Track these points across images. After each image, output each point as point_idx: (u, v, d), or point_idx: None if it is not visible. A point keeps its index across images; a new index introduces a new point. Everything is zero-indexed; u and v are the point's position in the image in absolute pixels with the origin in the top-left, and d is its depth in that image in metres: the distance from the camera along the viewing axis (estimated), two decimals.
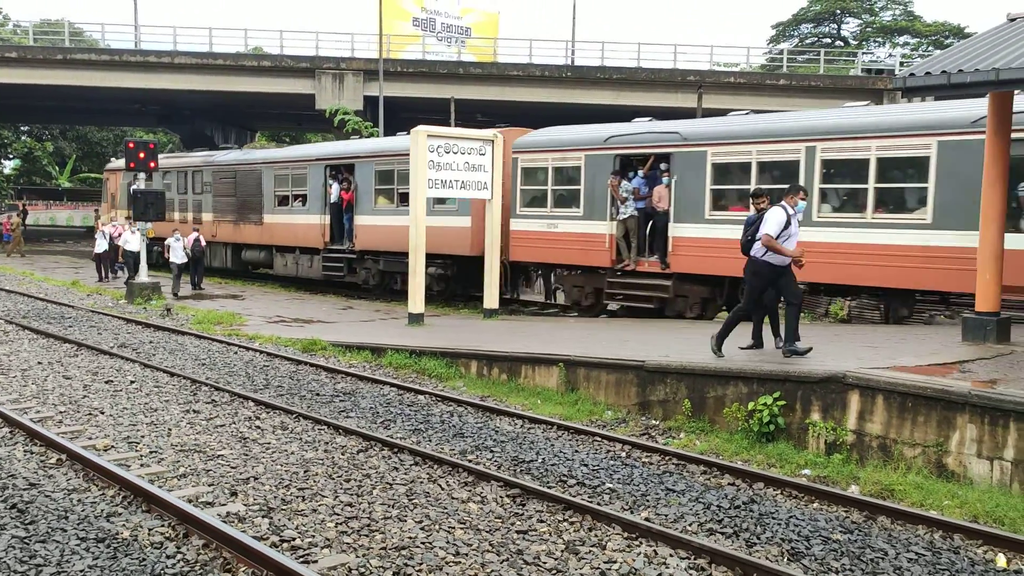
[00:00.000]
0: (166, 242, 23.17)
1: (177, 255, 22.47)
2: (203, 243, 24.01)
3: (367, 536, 6.53)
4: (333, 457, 8.45)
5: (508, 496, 7.51)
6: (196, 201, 28.59)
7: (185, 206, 28.99)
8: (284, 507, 7.05)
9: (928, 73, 10.04)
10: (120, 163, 31.27)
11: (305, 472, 7.95)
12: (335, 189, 22.71)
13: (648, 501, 7.48)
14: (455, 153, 16.61)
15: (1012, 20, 11.27)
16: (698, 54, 61.39)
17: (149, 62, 38.22)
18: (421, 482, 7.80)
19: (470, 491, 7.62)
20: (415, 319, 16.18)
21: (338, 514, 6.92)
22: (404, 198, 19.86)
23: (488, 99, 38.60)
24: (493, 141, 17.20)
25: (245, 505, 7.07)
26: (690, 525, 6.93)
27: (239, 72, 38.90)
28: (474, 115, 39.77)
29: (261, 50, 44.87)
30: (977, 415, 7.88)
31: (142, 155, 20.99)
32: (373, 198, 21.76)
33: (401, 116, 40.20)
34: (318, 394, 11.17)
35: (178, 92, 39.55)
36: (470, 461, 8.46)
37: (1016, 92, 10.46)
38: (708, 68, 40.99)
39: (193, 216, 28.38)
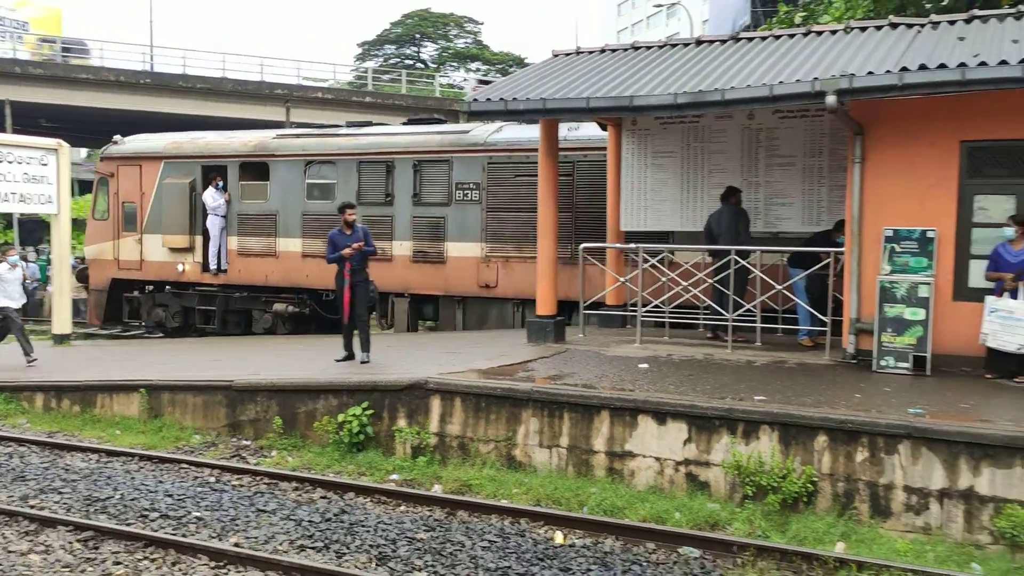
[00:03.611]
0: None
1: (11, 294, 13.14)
2: None
3: None
4: None
5: (79, 541, 6.84)
6: (428, 220, 15.41)
7: (389, 228, 15.58)
8: None
9: (489, 99, 11.01)
10: (144, 143, 18.41)
11: None
12: None
13: (238, 525, 7.27)
14: (10, 163, 14.78)
15: (556, 56, 12.77)
16: (285, 68, 61.41)
17: None
18: None
19: (32, 541, 6.82)
20: None
21: None
22: None
23: (54, 103, 34.88)
24: (57, 150, 15.59)
25: None
26: (281, 544, 6.86)
27: None
28: (37, 121, 35.68)
29: None
30: (539, 409, 8.78)
31: None
32: None
33: None
34: None
35: None
36: (32, 507, 7.57)
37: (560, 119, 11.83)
38: (296, 83, 40.96)
39: (414, 248, 15.53)
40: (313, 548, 6.81)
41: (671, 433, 8.17)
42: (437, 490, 8.31)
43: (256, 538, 6.98)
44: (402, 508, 7.85)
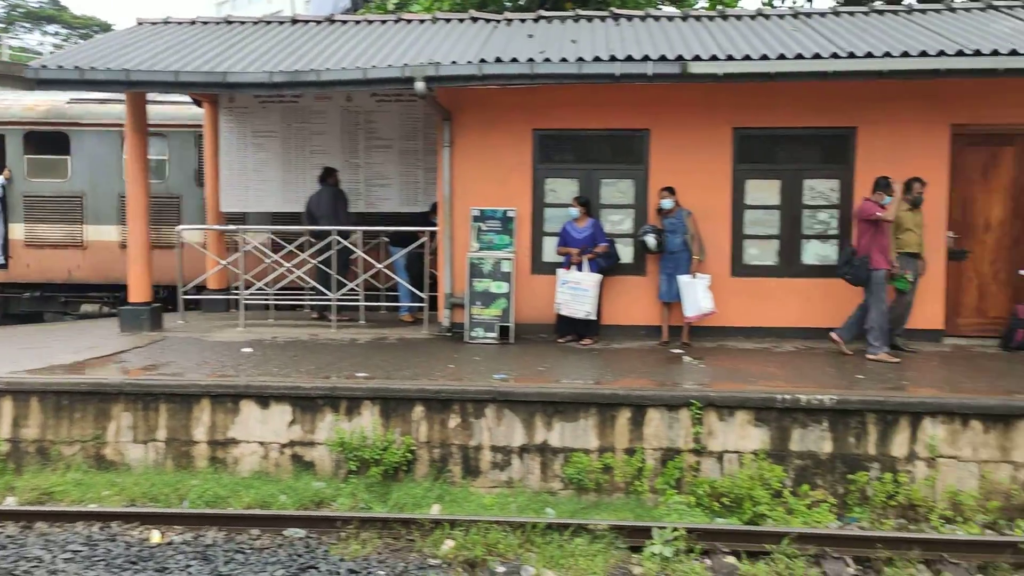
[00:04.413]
0: None
1: None
2: None
3: None
4: None
5: None
6: None
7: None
8: None
9: (61, 67, 9.97)
10: None
11: None
12: None
13: None
14: None
15: (142, 24, 11.92)
16: None
17: None
18: None
19: None
20: None
21: None
22: None
23: None
24: None
25: None
26: None
27: None
28: None
29: None
30: (132, 403, 8.21)
31: None
32: None
33: None
34: None
35: None
36: None
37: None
38: None
39: None
40: None
41: (275, 416, 8.10)
42: (10, 503, 7.42)
43: None
44: None
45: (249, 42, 11.00)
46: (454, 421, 7.90)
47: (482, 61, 9.44)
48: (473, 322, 10.36)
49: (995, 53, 8.94)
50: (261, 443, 8.11)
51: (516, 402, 7.83)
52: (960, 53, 8.98)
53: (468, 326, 10.38)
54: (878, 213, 9.20)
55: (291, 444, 8.08)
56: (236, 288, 11.89)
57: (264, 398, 8.11)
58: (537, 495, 7.61)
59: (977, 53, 8.96)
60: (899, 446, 7.45)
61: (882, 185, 9.34)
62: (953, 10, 11.39)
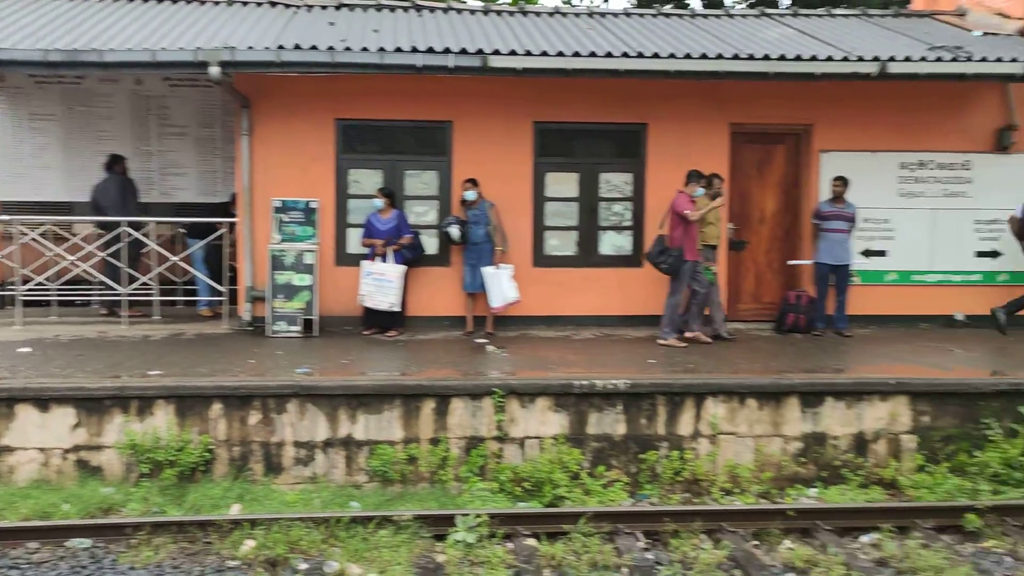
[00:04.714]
0: None
1: None
2: None
3: None
4: None
5: None
6: None
7: None
8: None
9: None
10: None
11: None
12: None
13: None
14: None
15: None
16: None
17: None
18: None
19: None
20: None
21: None
22: None
23: None
24: None
25: None
26: None
27: None
28: None
29: None
30: None
31: None
32: None
33: None
34: None
35: None
36: None
37: None
38: None
39: None
40: None
41: (56, 420, 7.57)
42: None
43: None
44: None
45: (21, 16, 10.19)
46: (255, 417, 7.68)
47: (280, 47, 9.19)
48: (275, 316, 10.11)
49: (766, 58, 9.68)
50: (40, 449, 7.56)
51: (319, 396, 7.72)
52: (736, 56, 9.66)
53: (270, 320, 10.11)
54: (686, 211, 9.65)
55: (75, 449, 7.59)
56: (12, 283, 10.98)
57: (43, 401, 7.57)
58: (342, 489, 7.54)
59: (751, 57, 9.67)
60: (685, 425, 7.95)
61: (694, 177, 9.84)
62: (731, 16, 12.23)
